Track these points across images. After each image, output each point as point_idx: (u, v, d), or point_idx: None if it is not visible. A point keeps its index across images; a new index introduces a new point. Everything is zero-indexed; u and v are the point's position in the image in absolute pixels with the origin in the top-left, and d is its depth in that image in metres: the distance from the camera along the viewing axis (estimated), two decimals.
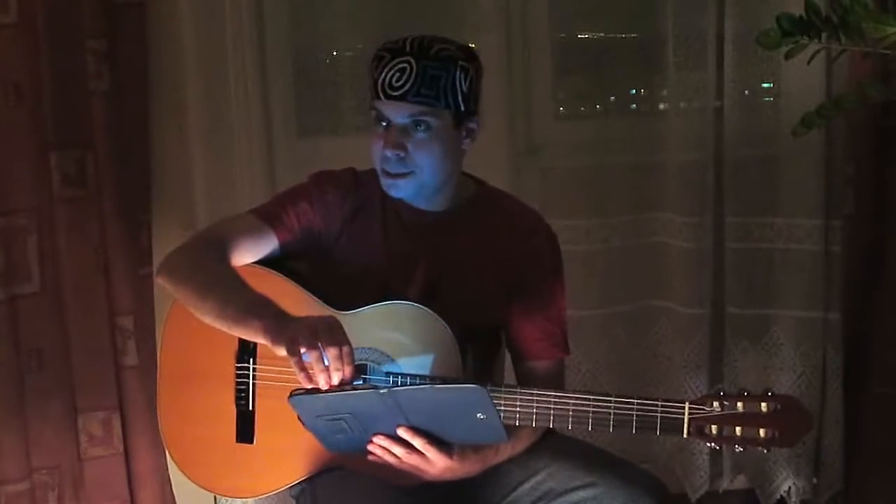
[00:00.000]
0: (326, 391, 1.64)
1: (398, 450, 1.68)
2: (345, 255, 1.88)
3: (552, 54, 2.81)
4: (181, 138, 2.59)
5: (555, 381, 1.92)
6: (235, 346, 1.82)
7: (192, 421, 1.86)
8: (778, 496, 2.86)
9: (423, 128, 1.79)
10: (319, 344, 1.62)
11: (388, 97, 1.77)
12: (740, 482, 2.93)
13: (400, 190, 1.83)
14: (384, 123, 1.80)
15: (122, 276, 2.53)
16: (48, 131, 2.45)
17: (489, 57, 2.66)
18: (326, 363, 1.63)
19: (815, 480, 2.86)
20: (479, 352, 1.87)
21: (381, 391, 1.61)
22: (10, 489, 2.48)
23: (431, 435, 1.69)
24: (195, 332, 1.83)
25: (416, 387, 1.71)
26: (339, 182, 1.91)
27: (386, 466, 1.72)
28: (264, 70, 2.61)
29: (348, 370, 1.64)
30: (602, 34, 2.93)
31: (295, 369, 1.64)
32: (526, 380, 1.91)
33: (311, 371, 1.63)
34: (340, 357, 1.63)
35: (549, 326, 1.93)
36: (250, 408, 1.83)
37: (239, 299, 1.75)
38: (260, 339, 1.69)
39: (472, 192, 1.93)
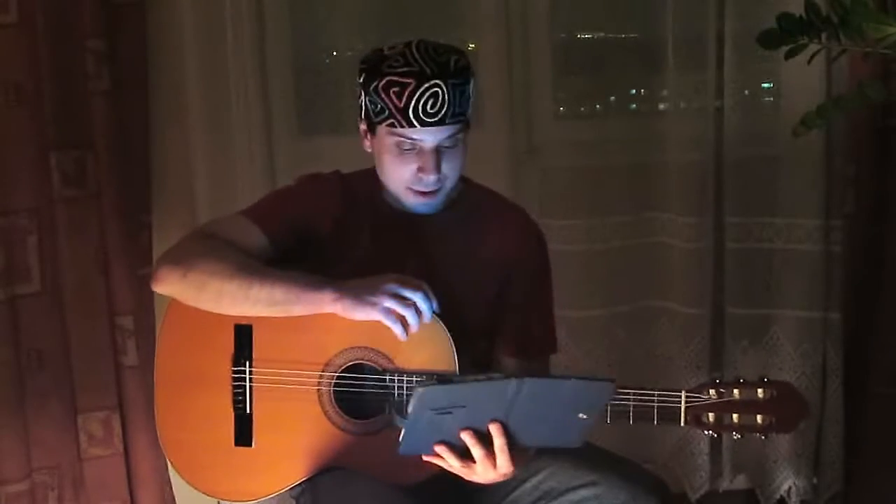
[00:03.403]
0: (459, 382, 1.62)
1: (478, 451, 1.63)
2: (335, 256, 1.87)
3: (552, 54, 2.81)
4: (181, 138, 2.59)
5: None
6: (231, 349, 1.82)
7: (190, 426, 1.85)
8: (778, 496, 2.86)
9: (452, 143, 1.79)
10: (405, 295, 1.70)
11: (425, 124, 1.75)
12: (740, 482, 2.94)
13: (431, 205, 1.84)
14: (409, 147, 1.79)
15: (122, 276, 2.53)
16: (48, 131, 2.45)
17: (489, 57, 2.70)
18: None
19: (815, 480, 2.86)
20: (473, 351, 1.87)
21: (517, 380, 1.58)
22: (10, 489, 2.48)
23: (512, 436, 1.64)
24: (190, 337, 1.83)
25: (551, 379, 1.68)
26: (325, 184, 1.91)
27: (385, 465, 1.72)
28: (264, 70, 2.62)
29: (433, 300, 1.72)
30: (602, 34, 2.93)
31: (388, 323, 1.69)
32: None
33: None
34: (426, 294, 1.71)
35: (538, 326, 1.93)
36: (248, 410, 1.82)
37: (281, 277, 1.75)
38: (327, 309, 1.72)
39: (460, 190, 1.92)
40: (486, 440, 1.63)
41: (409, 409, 1.56)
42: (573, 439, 1.67)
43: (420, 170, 1.79)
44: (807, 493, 2.86)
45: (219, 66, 2.56)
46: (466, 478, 1.68)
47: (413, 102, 1.74)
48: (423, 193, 1.82)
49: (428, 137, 1.77)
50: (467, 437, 1.62)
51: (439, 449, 1.63)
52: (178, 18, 2.54)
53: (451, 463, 1.65)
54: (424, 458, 1.66)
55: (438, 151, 1.78)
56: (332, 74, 2.75)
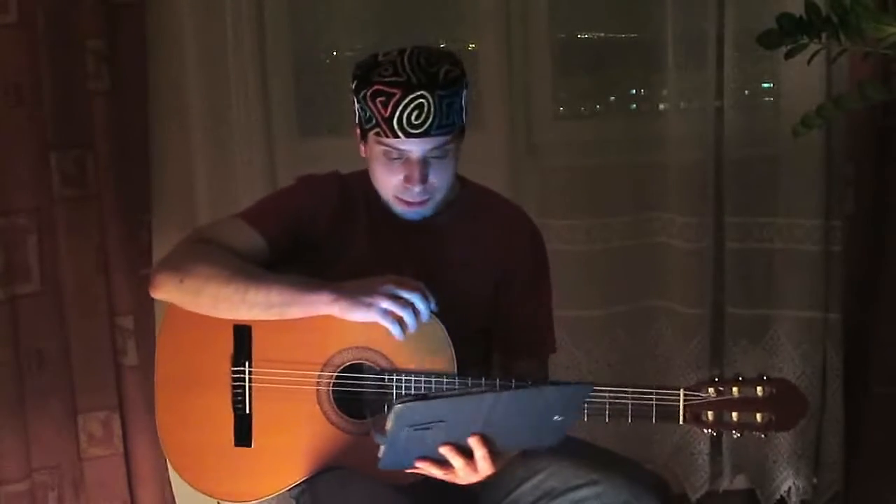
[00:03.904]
0: (436, 397, 1.64)
1: (458, 462, 1.65)
2: (332, 257, 1.87)
3: (552, 54, 2.81)
4: (181, 138, 2.59)
5: (541, 377, 1.93)
6: (230, 349, 1.82)
7: (189, 426, 1.85)
8: (778, 496, 2.86)
9: (440, 155, 1.79)
10: (402, 296, 1.70)
11: (410, 135, 1.75)
12: (740, 482, 2.94)
13: (419, 214, 1.84)
14: (396, 157, 1.79)
15: (122, 276, 2.53)
16: (48, 131, 2.45)
17: (489, 57, 2.70)
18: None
19: (815, 480, 2.86)
20: (471, 352, 1.87)
21: (494, 392, 1.62)
22: (10, 489, 2.48)
23: (491, 443, 1.66)
24: (190, 338, 1.84)
25: (527, 389, 1.69)
26: (323, 185, 1.92)
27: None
28: (264, 70, 2.61)
29: (431, 300, 1.72)
30: (602, 34, 2.93)
31: (385, 324, 1.70)
32: (513, 378, 1.92)
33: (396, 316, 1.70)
34: (424, 295, 1.71)
35: (537, 324, 1.94)
36: (247, 411, 1.82)
37: (277, 280, 1.76)
38: (324, 311, 1.72)
39: (457, 190, 1.93)
40: (465, 451, 1.65)
41: (388, 426, 1.57)
42: (552, 440, 1.69)
43: (406, 179, 1.79)
44: (807, 493, 2.85)
45: (219, 66, 2.56)
46: (449, 482, 1.69)
47: (398, 113, 1.74)
48: (411, 203, 1.82)
49: (413, 148, 1.77)
50: (447, 451, 1.64)
51: (420, 464, 1.65)
52: (178, 18, 2.54)
53: (432, 473, 1.67)
54: (406, 471, 1.67)
55: (425, 162, 1.78)
56: (332, 74, 2.75)
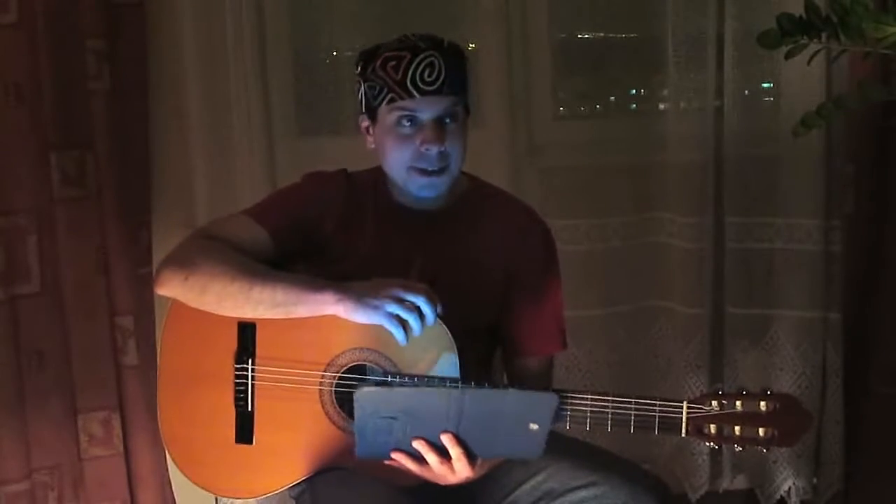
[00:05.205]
0: (399, 384, 1.66)
1: (432, 458, 1.67)
2: (340, 254, 1.88)
3: (552, 54, 2.81)
4: (181, 138, 2.59)
5: (545, 377, 1.94)
6: (234, 346, 1.82)
7: (191, 422, 1.85)
8: (778, 496, 2.86)
9: (452, 119, 1.81)
10: (408, 300, 1.69)
11: (423, 93, 1.77)
12: (740, 482, 2.94)
13: (436, 188, 1.83)
14: (409, 123, 1.80)
15: (122, 276, 2.53)
16: (48, 131, 2.45)
17: (489, 57, 2.70)
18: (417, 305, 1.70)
19: (815, 480, 2.86)
20: (476, 350, 1.88)
21: (456, 389, 1.64)
22: (10, 489, 2.48)
23: (466, 446, 1.68)
24: (194, 334, 1.84)
25: (491, 389, 1.70)
26: (331, 182, 1.92)
27: (385, 466, 1.72)
28: (264, 70, 2.61)
29: (438, 302, 1.70)
30: (602, 34, 2.93)
31: (389, 328, 1.69)
32: (518, 376, 1.93)
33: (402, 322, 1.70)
34: (430, 298, 1.69)
35: (545, 322, 1.94)
36: (249, 408, 1.82)
37: (282, 278, 1.76)
38: (328, 311, 1.72)
39: (465, 187, 1.93)
40: (440, 449, 1.66)
41: (355, 412, 1.62)
42: (532, 450, 1.69)
43: (422, 143, 1.79)
44: (807, 493, 2.85)
45: (219, 66, 2.56)
46: (428, 479, 1.70)
47: (410, 72, 1.77)
48: (427, 173, 1.81)
49: (426, 107, 1.78)
50: (420, 446, 1.66)
51: (396, 455, 1.67)
52: (178, 18, 2.54)
53: (409, 467, 1.68)
54: (385, 462, 1.69)
55: (441, 125, 1.79)
56: (332, 74, 2.75)
